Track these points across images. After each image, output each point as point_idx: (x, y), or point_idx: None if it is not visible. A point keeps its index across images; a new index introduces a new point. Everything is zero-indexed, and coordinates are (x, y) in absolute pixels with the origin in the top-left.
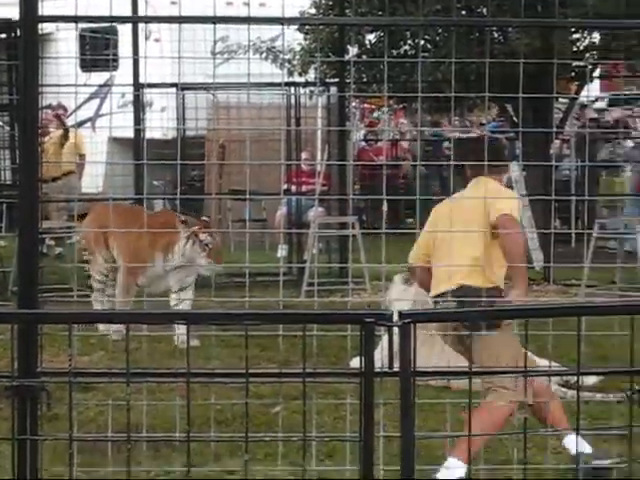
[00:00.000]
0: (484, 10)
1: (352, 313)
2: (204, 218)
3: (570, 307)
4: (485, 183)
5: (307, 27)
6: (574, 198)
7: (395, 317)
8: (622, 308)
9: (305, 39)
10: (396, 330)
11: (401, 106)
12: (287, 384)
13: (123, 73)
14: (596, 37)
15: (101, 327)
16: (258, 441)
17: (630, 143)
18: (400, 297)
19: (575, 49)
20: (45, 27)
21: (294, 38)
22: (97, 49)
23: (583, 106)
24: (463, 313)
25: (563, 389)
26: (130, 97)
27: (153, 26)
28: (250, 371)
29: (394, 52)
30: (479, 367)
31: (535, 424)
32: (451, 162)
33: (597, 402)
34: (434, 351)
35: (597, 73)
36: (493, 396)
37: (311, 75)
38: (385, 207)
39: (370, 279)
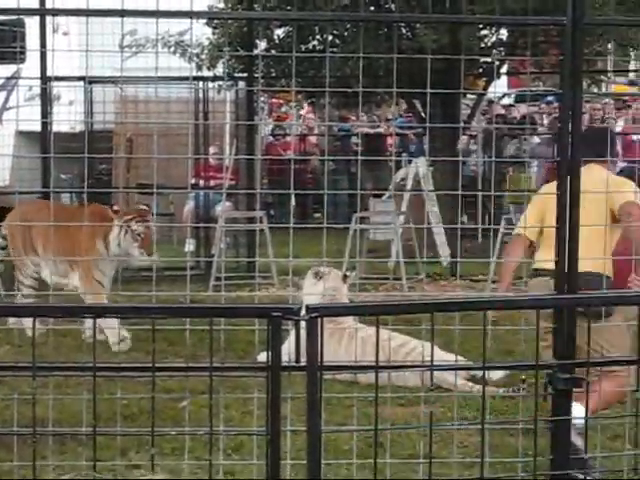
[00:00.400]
0: (392, 6)
1: (259, 307)
2: (142, 207)
3: (475, 301)
4: (599, 171)
5: (215, 21)
6: (481, 193)
7: (303, 311)
8: (527, 302)
9: (213, 33)
10: (304, 324)
11: (309, 101)
12: (194, 378)
13: (30, 66)
14: (503, 34)
15: (11, 321)
16: (164, 435)
17: (536, 139)
18: (311, 291)
19: (483, 45)
20: None
21: (202, 32)
22: (4, 41)
23: (490, 102)
24: (364, 307)
25: (469, 383)
26: (37, 90)
27: (61, 19)
28: (157, 365)
29: (302, 47)
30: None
31: (442, 418)
32: (359, 157)
33: (502, 397)
34: (342, 345)
35: (504, 69)
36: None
37: (219, 69)
38: (293, 202)
39: (278, 274)
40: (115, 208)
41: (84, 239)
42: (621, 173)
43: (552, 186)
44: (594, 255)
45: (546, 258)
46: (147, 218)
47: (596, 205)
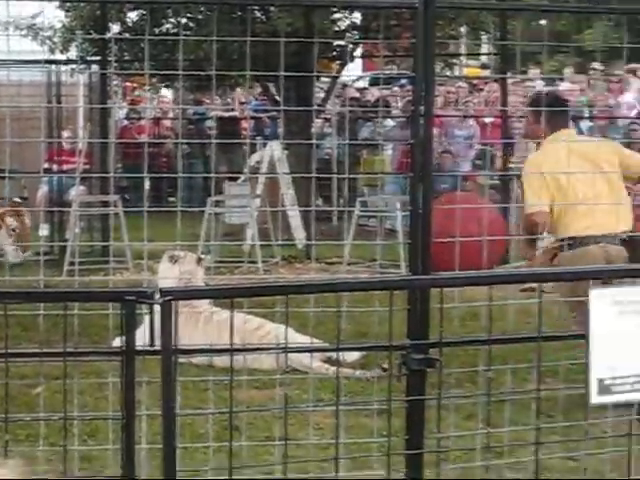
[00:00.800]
0: None
1: (113, 291)
2: (16, 199)
3: (329, 283)
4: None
5: (68, 4)
6: (335, 176)
7: (157, 295)
8: (380, 284)
9: (66, 16)
10: (158, 308)
11: (164, 85)
12: (49, 364)
13: None
14: (357, 17)
15: None
16: (18, 421)
17: (391, 122)
18: (166, 275)
19: (337, 29)
20: None
21: (55, 15)
22: None
23: (344, 85)
24: (219, 290)
25: (325, 365)
26: None
27: None
28: (10, 351)
29: (156, 30)
30: None
31: (298, 400)
32: (213, 140)
33: (358, 378)
34: (198, 328)
35: (358, 53)
36: None
37: (72, 53)
38: (147, 185)
39: (133, 258)
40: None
41: None
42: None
43: (541, 155)
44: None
45: (589, 224)
46: (21, 212)
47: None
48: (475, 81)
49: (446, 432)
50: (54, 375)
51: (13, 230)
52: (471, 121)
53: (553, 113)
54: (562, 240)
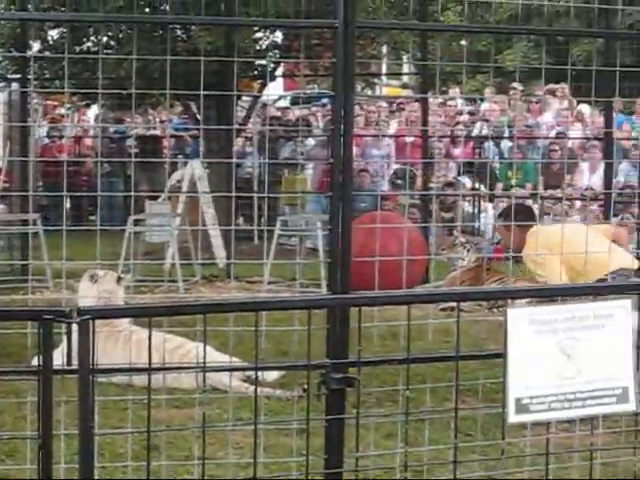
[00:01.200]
0: (167, 8)
1: (30, 310)
2: None
3: (248, 302)
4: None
5: None
6: (256, 195)
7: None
8: (300, 303)
9: None
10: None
11: (84, 103)
12: None
13: None
14: (278, 36)
15: None
16: None
17: (312, 141)
18: (86, 294)
19: (258, 48)
20: None
21: None
22: None
23: (264, 105)
24: (137, 309)
25: (245, 384)
26: None
27: None
28: None
29: (77, 48)
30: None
31: (217, 419)
32: (132, 159)
33: (278, 398)
34: (117, 347)
35: (279, 72)
36: None
37: None
38: (67, 204)
39: (52, 277)
40: None
41: None
42: (394, 175)
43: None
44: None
45: None
46: None
47: None
48: (396, 100)
49: (365, 451)
50: None
51: None
52: (387, 140)
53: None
54: None
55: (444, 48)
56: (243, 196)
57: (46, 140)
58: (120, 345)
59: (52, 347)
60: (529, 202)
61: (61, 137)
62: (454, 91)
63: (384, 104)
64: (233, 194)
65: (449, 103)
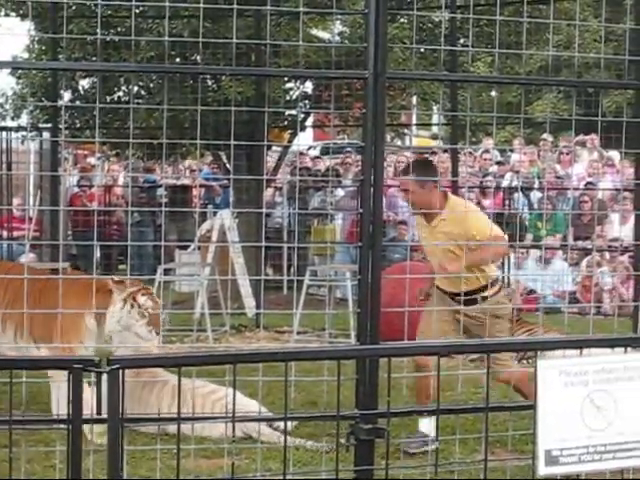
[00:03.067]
0: (198, 58)
1: (60, 359)
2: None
3: (278, 352)
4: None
5: (20, 71)
6: (285, 245)
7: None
8: (329, 353)
9: (17, 83)
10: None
11: (115, 152)
12: None
13: None
14: (308, 87)
15: None
16: None
17: (341, 192)
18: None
19: (288, 98)
20: None
21: (7, 82)
22: None
23: (301, 153)
24: (166, 358)
25: (277, 433)
26: None
27: None
28: None
29: (107, 98)
30: None
31: (247, 470)
32: (163, 209)
33: (307, 449)
34: (153, 393)
35: (309, 122)
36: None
37: (23, 120)
38: (98, 253)
39: None
40: (116, 278)
41: (69, 315)
42: None
43: None
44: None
45: None
46: (151, 291)
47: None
48: (427, 150)
49: None
50: (1, 443)
51: (146, 310)
52: None
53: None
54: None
55: (474, 99)
56: (272, 246)
57: (76, 189)
58: (155, 392)
59: (81, 396)
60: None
61: (91, 186)
62: (487, 142)
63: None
64: (263, 244)
65: (484, 156)
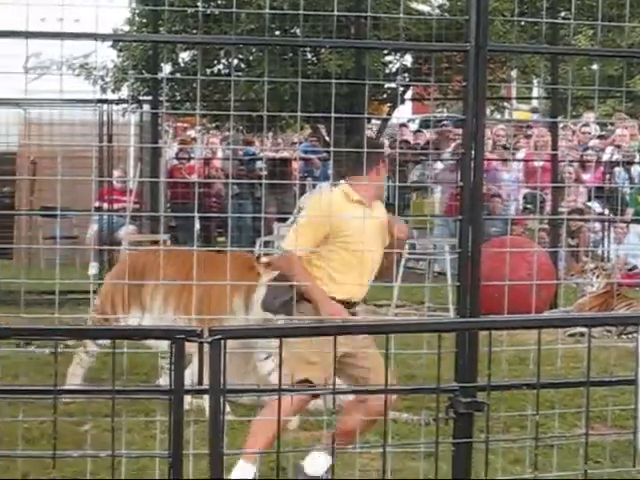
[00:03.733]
0: (298, 31)
1: (163, 329)
2: None
3: (379, 325)
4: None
5: (121, 44)
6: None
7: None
8: (430, 326)
9: (118, 56)
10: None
11: (214, 125)
12: (97, 402)
13: None
14: (408, 59)
15: None
16: (66, 458)
17: (440, 165)
18: None
19: (387, 71)
20: None
21: (107, 55)
22: None
23: (402, 125)
24: (269, 329)
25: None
26: None
27: None
28: (59, 388)
29: (208, 71)
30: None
31: None
32: (263, 181)
33: (405, 421)
34: (249, 367)
35: (408, 95)
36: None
37: (124, 92)
38: (197, 225)
39: None
40: (264, 260)
41: (217, 294)
42: (524, 200)
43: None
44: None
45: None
46: None
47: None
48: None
49: (493, 476)
50: (103, 413)
51: None
52: (515, 164)
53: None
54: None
55: (575, 72)
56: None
57: (175, 161)
58: (252, 362)
59: (184, 367)
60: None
61: (189, 159)
62: (586, 116)
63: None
64: (363, 216)
65: (583, 129)
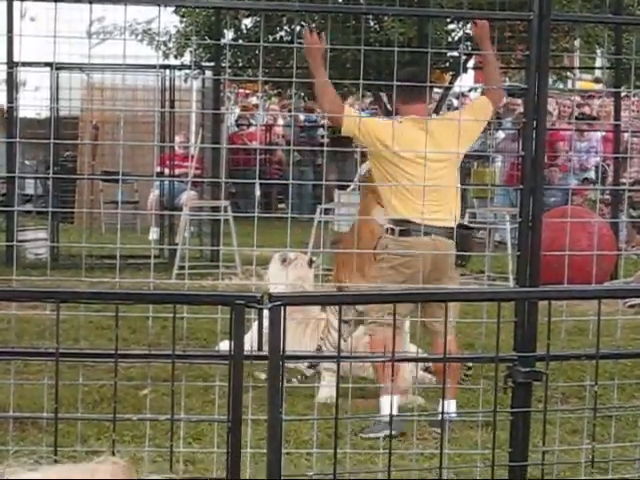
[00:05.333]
0: None
1: (222, 295)
2: None
3: (437, 293)
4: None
5: (183, 10)
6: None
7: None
8: (489, 295)
9: (181, 22)
10: (267, 313)
11: (276, 92)
12: (156, 366)
13: None
14: (470, 28)
15: None
16: (125, 421)
17: (502, 134)
18: (277, 276)
19: (450, 39)
20: None
21: (170, 20)
22: None
23: (463, 95)
24: (329, 297)
25: (429, 375)
26: (3, 75)
27: (29, 4)
28: (119, 352)
29: (270, 37)
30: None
31: (402, 409)
32: (324, 148)
33: (463, 389)
34: (307, 333)
35: (471, 64)
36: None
37: (187, 58)
38: (258, 192)
39: (242, 264)
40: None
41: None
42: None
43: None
44: (453, 209)
45: (422, 211)
46: None
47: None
48: (588, 95)
49: (551, 446)
50: (161, 377)
51: None
52: (591, 133)
53: (408, 90)
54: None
55: (639, 42)
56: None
57: (236, 128)
58: (309, 332)
59: (243, 333)
60: None
61: (249, 125)
62: None
63: (578, 98)
64: (423, 184)
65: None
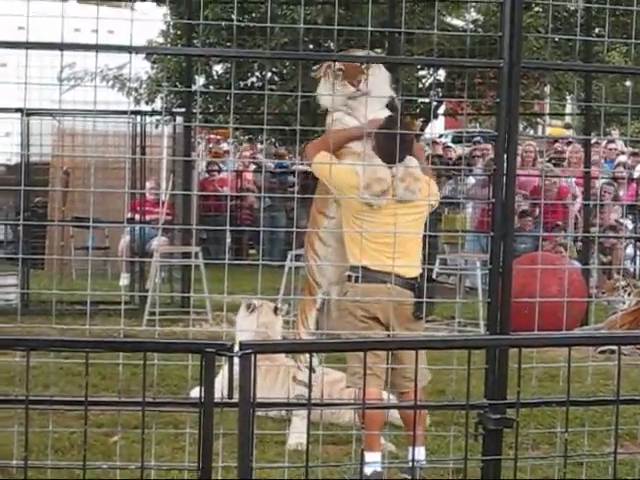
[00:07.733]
0: (331, 44)
1: (193, 342)
2: None
3: (408, 340)
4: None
5: (155, 56)
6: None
7: (236, 347)
8: (460, 342)
9: (152, 68)
10: (237, 360)
11: (247, 137)
12: (127, 413)
13: None
14: (441, 75)
15: None
16: (96, 468)
17: (472, 180)
18: (243, 323)
19: (420, 86)
20: None
21: (141, 67)
22: None
23: (434, 142)
24: (298, 344)
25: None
26: None
27: None
28: (89, 399)
29: (241, 83)
30: None
31: None
32: (295, 195)
33: (434, 436)
34: (277, 381)
35: (441, 110)
36: None
37: (158, 104)
38: (229, 238)
39: (212, 309)
40: None
41: None
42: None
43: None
44: (414, 259)
45: (383, 260)
46: None
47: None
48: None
49: None
50: (132, 424)
51: None
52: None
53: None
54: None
55: (608, 89)
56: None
57: (207, 174)
58: (280, 380)
59: (214, 380)
60: None
61: (219, 171)
62: (614, 132)
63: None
64: (394, 231)
65: (609, 146)
